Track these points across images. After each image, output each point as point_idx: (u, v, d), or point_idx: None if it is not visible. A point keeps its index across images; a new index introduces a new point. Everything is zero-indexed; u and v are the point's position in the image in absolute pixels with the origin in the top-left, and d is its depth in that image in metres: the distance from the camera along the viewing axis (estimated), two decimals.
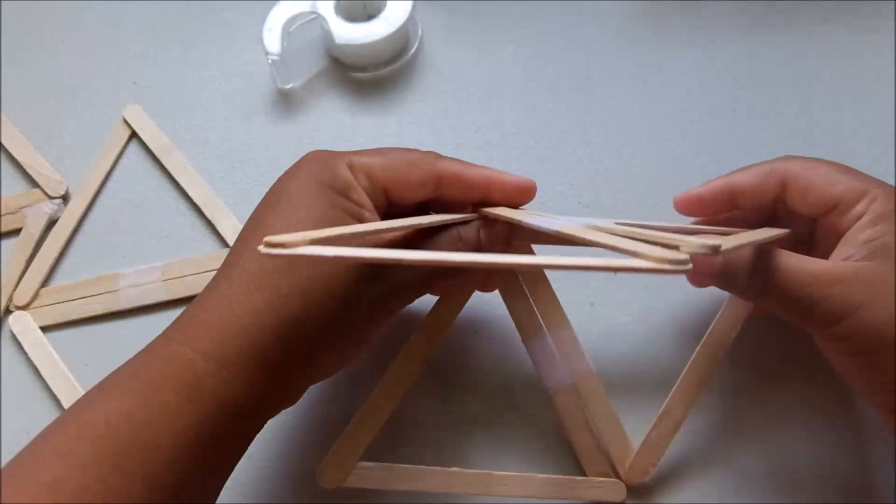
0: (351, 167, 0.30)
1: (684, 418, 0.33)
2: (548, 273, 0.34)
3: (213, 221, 0.41)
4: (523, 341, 0.34)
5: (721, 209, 0.33)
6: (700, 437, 0.35)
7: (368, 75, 0.45)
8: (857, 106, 0.43)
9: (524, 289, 0.34)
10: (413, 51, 0.46)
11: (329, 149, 0.42)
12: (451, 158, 0.32)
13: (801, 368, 0.36)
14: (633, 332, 0.38)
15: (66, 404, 0.37)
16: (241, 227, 0.40)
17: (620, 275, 0.33)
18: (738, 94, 0.44)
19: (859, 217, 0.29)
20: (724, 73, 0.44)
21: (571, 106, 0.44)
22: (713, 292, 0.35)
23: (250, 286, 0.27)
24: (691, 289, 0.34)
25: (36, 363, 0.39)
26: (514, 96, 0.44)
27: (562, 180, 0.42)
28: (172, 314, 0.39)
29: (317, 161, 0.30)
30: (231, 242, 0.40)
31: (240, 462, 0.28)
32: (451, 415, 0.37)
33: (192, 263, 0.40)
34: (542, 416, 0.36)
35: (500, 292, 0.34)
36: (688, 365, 0.33)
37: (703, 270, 0.29)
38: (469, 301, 0.35)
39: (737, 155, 0.42)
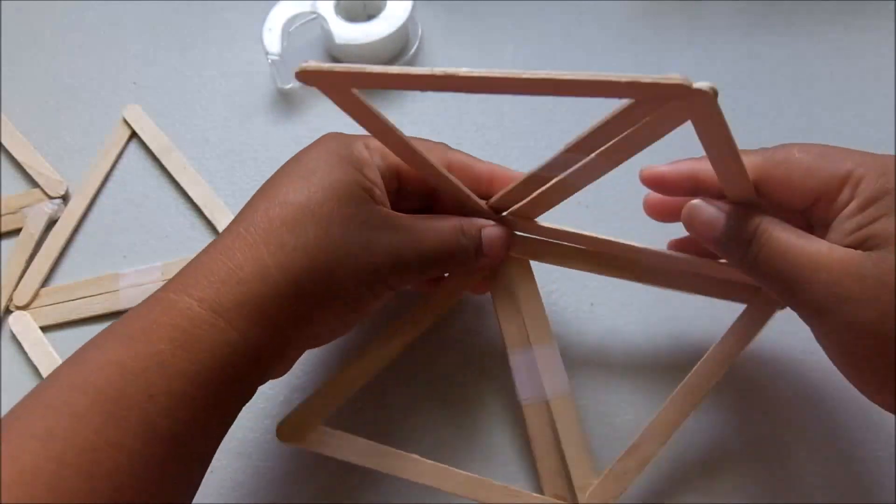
0: (367, 147, 0.30)
1: (654, 455, 0.31)
2: (549, 272, 0.34)
3: (213, 221, 0.41)
4: (507, 351, 0.34)
5: (681, 193, 0.30)
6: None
7: None
8: (857, 106, 0.43)
9: (517, 300, 0.33)
10: (413, 51, 0.46)
11: None
12: (460, 151, 0.32)
13: (792, 363, 0.36)
14: (632, 334, 0.37)
15: None
16: None
17: (618, 281, 0.33)
18: (738, 94, 0.44)
19: (846, 204, 0.26)
20: (724, 73, 0.44)
21: (571, 106, 0.44)
22: (711, 302, 0.33)
23: (256, 239, 0.27)
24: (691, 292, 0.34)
25: (36, 363, 0.39)
26: (514, 96, 0.44)
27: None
28: None
29: (334, 138, 0.30)
30: None
31: None
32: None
33: None
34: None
35: (493, 299, 0.34)
36: (667, 401, 0.32)
37: (705, 232, 0.28)
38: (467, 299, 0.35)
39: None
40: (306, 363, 0.38)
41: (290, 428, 0.33)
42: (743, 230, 0.27)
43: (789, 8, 0.46)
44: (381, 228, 0.29)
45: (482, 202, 0.32)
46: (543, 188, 0.30)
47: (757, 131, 0.42)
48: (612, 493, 0.32)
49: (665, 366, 0.36)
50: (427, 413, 0.36)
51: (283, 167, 0.30)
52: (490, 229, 0.31)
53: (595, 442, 0.34)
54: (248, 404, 0.37)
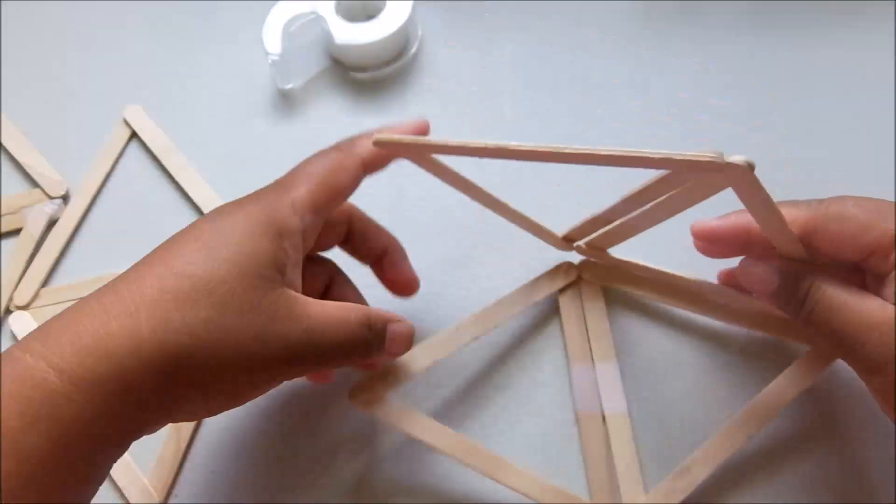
0: (294, 205, 0.28)
1: (702, 479, 0.32)
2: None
3: None
4: (570, 365, 0.36)
5: (733, 248, 0.31)
6: None
7: (368, 75, 0.45)
8: (857, 106, 0.43)
9: (585, 319, 0.36)
10: (413, 51, 0.46)
11: None
12: (355, 142, 0.32)
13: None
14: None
15: None
16: None
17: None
18: (738, 94, 0.44)
19: None
20: (724, 74, 0.44)
21: (571, 106, 0.44)
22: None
23: (139, 308, 0.24)
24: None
25: None
26: (514, 96, 0.44)
27: (562, 180, 0.42)
28: None
29: (261, 199, 0.28)
30: None
31: None
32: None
33: None
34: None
35: (562, 315, 0.37)
36: (723, 429, 0.32)
37: (760, 289, 0.29)
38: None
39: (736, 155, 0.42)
40: None
41: (361, 392, 0.34)
42: (796, 288, 0.28)
43: (789, 8, 0.46)
44: (282, 319, 0.26)
45: (557, 234, 0.34)
46: (608, 228, 0.33)
47: (757, 131, 0.42)
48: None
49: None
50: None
51: (197, 222, 0.28)
52: (396, 325, 0.31)
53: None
54: (247, 404, 0.37)
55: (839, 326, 0.26)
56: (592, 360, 0.36)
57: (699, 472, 0.32)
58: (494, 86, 0.45)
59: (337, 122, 0.44)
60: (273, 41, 0.42)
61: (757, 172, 0.31)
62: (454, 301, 0.39)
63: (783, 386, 0.33)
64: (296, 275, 0.28)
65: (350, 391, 0.34)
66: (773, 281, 0.29)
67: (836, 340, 0.27)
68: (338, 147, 0.31)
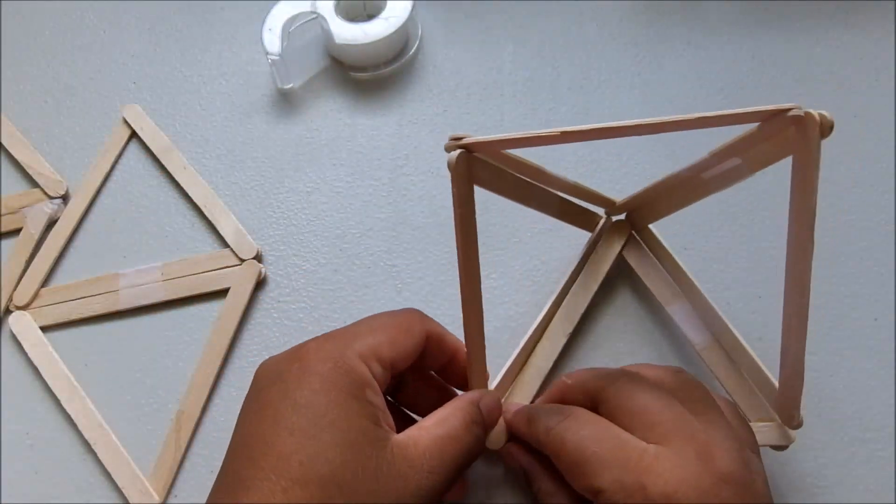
0: (363, 358, 0.27)
1: (803, 353, 0.31)
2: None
3: (213, 221, 0.41)
4: (667, 307, 0.36)
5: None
6: None
7: (368, 75, 0.45)
8: (857, 106, 0.43)
9: (654, 260, 0.37)
10: (413, 51, 0.46)
11: (327, 152, 0.43)
12: (429, 318, 0.31)
13: None
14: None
15: (66, 404, 0.37)
16: (241, 227, 0.41)
17: None
18: (738, 94, 0.44)
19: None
20: (724, 73, 0.44)
21: (571, 106, 0.44)
22: None
23: None
24: None
25: (36, 363, 0.39)
26: (514, 96, 0.44)
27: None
28: (172, 314, 0.40)
29: (326, 361, 0.27)
30: (231, 242, 0.40)
31: None
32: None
33: (192, 263, 0.40)
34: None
35: (635, 267, 0.37)
36: (783, 300, 0.31)
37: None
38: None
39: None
40: None
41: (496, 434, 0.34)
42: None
43: (789, 8, 0.46)
44: (405, 473, 0.26)
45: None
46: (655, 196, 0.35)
47: None
48: (792, 402, 0.32)
49: None
50: None
51: (269, 398, 0.26)
52: (487, 400, 0.30)
53: None
54: None
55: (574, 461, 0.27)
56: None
57: (797, 348, 0.31)
58: (494, 86, 0.45)
59: (337, 121, 0.44)
60: (273, 41, 0.42)
61: (756, 172, 0.31)
62: (454, 301, 0.39)
63: (800, 184, 0.30)
64: (388, 416, 0.27)
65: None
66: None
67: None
68: (407, 309, 0.31)
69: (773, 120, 0.26)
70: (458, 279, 0.39)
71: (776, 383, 0.33)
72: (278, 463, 0.24)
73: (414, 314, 0.31)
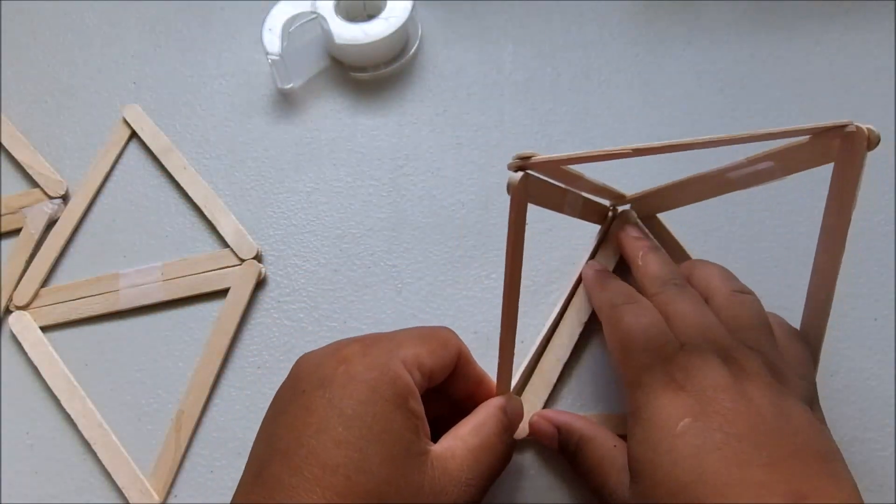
0: (407, 365, 0.27)
1: (823, 335, 0.32)
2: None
3: (213, 221, 0.41)
4: None
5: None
6: None
7: (368, 75, 0.45)
8: (857, 106, 0.43)
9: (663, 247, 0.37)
10: (413, 51, 0.46)
11: (327, 152, 0.43)
12: (460, 339, 0.32)
13: None
14: None
15: (67, 404, 0.37)
16: (241, 227, 0.41)
17: None
18: (737, 94, 0.44)
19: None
20: (723, 73, 0.44)
21: (571, 106, 0.44)
22: None
23: None
24: None
25: (36, 363, 0.39)
26: (514, 96, 0.44)
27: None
28: (172, 314, 0.40)
29: (374, 369, 0.27)
30: (231, 242, 0.40)
31: None
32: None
33: (192, 263, 0.40)
34: None
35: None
36: (804, 307, 0.32)
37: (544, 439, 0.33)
38: None
39: (736, 155, 0.42)
40: None
41: None
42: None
43: (789, 8, 0.46)
44: (444, 487, 0.26)
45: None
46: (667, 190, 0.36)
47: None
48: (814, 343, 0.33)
49: None
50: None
51: (316, 399, 0.26)
52: (511, 405, 0.31)
53: None
54: (248, 405, 0.37)
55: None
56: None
57: (822, 295, 0.32)
58: (494, 86, 0.45)
59: (337, 121, 0.44)
60: (273, 41, 0.42)
61: (788, 176, 0.31)
62: (454, 301, 0.39)
63: (839, 193, 0.30)
64: (426, 424, 0.28)
65: None
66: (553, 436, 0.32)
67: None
68: (444, 327, 0.31)
69: (825, 133, 0.27)
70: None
71: None
72: (324, 475, 0.24)
73: (449, 331, 0.31)
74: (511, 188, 0.26)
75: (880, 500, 0.34)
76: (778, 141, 0.29)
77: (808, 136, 0.28)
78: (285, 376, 0.29)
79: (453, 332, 0.31)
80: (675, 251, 0.38)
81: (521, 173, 0.26)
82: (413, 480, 0.25)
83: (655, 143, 0.27)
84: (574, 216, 0.37)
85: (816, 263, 0.30)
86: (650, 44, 0.46)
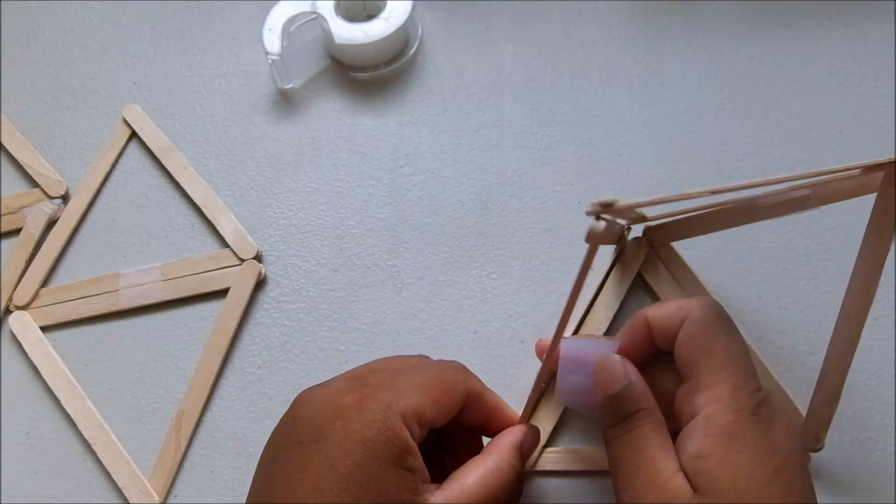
0: (406, 420, 0.27)
1: (843, 381, 0.32)
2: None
3: (213, 221, 0.41)
4: None
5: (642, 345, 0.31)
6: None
7: (368, 75, 0.45)
8: (857, 106, 0.43)
9: (673, 279, 0.37)
10: (413, 51, 0.46)
11: (327, 152, 0.43)
12: (472, 374, 0.31)
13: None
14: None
15: (66, 404, 0.37)
16: (241, 227, 0.41)
17: None
18: (737, 94, 0.44)
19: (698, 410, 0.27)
20: (723, 73, 0.44)
21: (571, 106, 0.44)
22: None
23: None
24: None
25: (36, 363, 0.39)
26: (514, 96, 0.44)
27: (561, 180, 0.42)
28: (172, 314, 0.40)
29: (372, 426, 0.26)
30: (231, 242, 0.40)
31: None
32: None
33: (192, 263, 0.40)
34: None
35: (653, 286, 0.37)
36: (836, 323, 0.32)
37: (602, 385, 0.30)
38: None
39: (736, 155, 0.42)
40: (313, 369, 0.38)
41: None
42: (627, 405, 0.28)
43: (789, 8, 0.46)
44: None
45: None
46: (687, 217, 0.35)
47: (757, 131, 0.42)
48: (820, 427, 0.33)
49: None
50: None
51: (312, 455, 0.26)
52: (529, 441, 0.31)
53: None
54: (248, 405, 0.37)
55: (627, 468, 0.27)
56: None
57: (835, 378, 0.32)
58: (494, 85, 0.45)
59: (337, 121, 0.44)
60: (273, 41, 0.42)
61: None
62: (454, 301, 0.39)
63: (869, 252, 0.30)
64: (424, 474, 0.27)
65: None
66: (619, 383, 0.29)
67: (618, 477, 0.28)
68: (448, 362, 0.31)
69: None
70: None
71: (789, 394, 0.34)
72: None
73: (458, 372, 0.30)
74: (591, 237, 0.25)
75: (880, 500, 0.34)
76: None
77: (857, 171, 0.28)
78: (285, 407, 0.29)
79: (463, 372, 0.30)
80: (690, 283, 0.37)
81: (604, 222, 0.25)
82: None
83: (731, 185, 0.26)
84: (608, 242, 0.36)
85: (847, 296, 0.31)
86: (650, 44, 0.46)
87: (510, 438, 0.30)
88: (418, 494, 0.26)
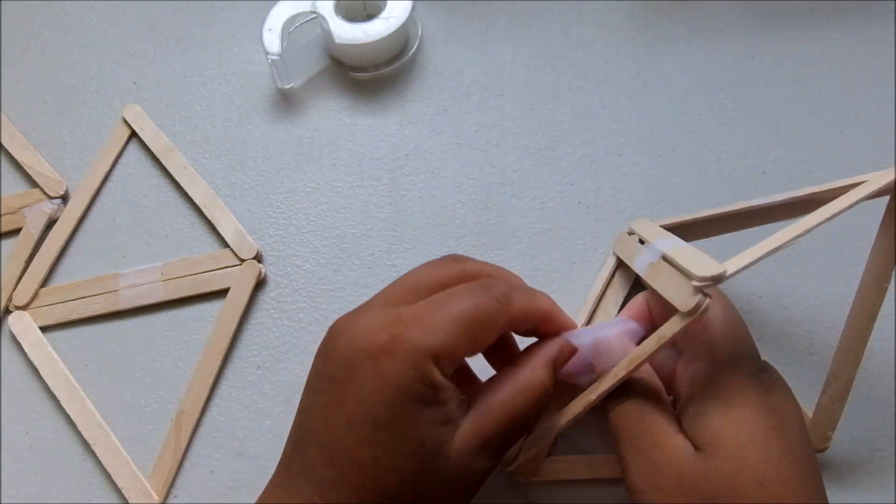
0: (439, 361, 0.26)
1: (853, 378, 0.32)
2: None
3: (213, 221, 0.41)
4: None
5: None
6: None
7: (368, 75, 0.45)
8: (857, 106, 0.43)
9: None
10: (413, 51, 0.46)
11: (327, 152, 0.43)
12: (518, 290, 0.29)
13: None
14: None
15: (66, 404, 0.37)
16: (241, 227, 0.41)
17: None
18: (737, 94, 0.44)
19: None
20: (723, 73, 0.44)
21: (571, 106, 0.44)
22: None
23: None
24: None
25: (36, 363, 0.39)
26: (514, 96, 0.44)
27: (562, 180, 0.42)
28: (172, 314, 0.40)
29: (404, 367, 0.26)
30: (231, 242, 0.40)
31: None
32: None
33: (192, 263, 0.40)
34: None
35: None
36: (846, 321, 0.32)
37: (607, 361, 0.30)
38: None
39: (736, 155, 0.42)
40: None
41: (525, 467, 0.35)
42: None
43: (789, 8, 0.46)
44: (463, 476, 0.27)
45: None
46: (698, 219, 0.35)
47: (757, 131, 0.42)
48: (828, 425, 0.33)
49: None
50: None
51: (349, 401, 0.26)
52: (566, 353, 0.30)
53: None
54: (248, 405, 0.37)
55: (630, 436, 0.28)
56: None
57: (844, 375, 0.32)
58: (494, 86, 0.45)
59: (337, 121, 0.44)
60: (273, 41, 0.42)
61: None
62: None
63: (882, 248, 0.31)
64: (455, 394, 0.27)
65: (515, 471, 0.34)
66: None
67: (620, 440, 0.28)
68: (489, 290, 0.28)
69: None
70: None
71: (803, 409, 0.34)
72: (352, 472, 0.26)
73: (500, 300, 0.28)
74: (698, 311, 0.25)
75: (880, 500, 0.34)
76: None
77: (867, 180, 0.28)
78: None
79: (504, 298, 0.28)
80: None
81: (708, 300, 0.26)
82: (436, 472, 0.26)
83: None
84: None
85: (858, 295, 0.31)
86: (650, 44, 0.46)
87: (545, 352, 0.29)
88: (447, 424, 0.27)
